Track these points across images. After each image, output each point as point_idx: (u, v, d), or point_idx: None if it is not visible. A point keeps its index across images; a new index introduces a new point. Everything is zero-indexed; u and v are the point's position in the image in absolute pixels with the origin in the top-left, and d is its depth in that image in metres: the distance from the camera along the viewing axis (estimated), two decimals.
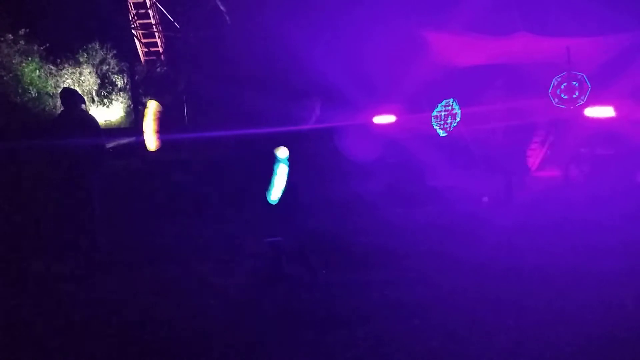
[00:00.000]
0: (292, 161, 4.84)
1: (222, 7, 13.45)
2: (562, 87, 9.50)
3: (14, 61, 12.49)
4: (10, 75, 12.43)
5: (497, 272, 5.03)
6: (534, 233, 6.32)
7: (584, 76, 9.28)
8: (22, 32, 12.63)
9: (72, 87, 12.71)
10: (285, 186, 4.74)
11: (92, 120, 6.32)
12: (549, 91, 9.62)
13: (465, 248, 5.84)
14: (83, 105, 6.31)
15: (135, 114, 13.21)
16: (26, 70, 12.61)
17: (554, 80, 9.59)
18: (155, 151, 7.23)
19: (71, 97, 6.17)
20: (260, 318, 4.30)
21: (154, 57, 14.55)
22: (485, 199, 8.29)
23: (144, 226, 7.26)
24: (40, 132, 6.22)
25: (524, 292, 4.54)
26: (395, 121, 9.28)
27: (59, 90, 12.95)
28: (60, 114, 6.34)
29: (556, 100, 9.64)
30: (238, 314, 4.42)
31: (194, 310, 4.51)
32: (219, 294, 4.89)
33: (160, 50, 14.63)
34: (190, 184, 8.32)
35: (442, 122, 9.85)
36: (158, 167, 9.02)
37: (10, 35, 12.50)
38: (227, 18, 13.44)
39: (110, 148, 6.52)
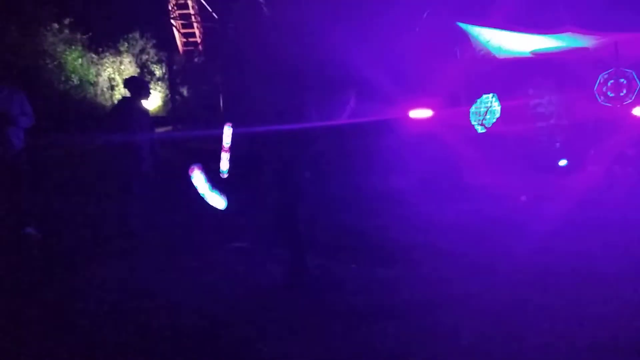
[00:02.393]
0: (326, 155, 4.79)
1: None
2: (609, 84, 9.12)
3: (58, 49, 12.83)
4: (55, 63, 12.78)
5: (533, 274, 4.87)
6: (573, 235, 6.09)
7: (633, 73, 8.88)
8: (66, 21, 12.95)
9: (111, 75, 12.99)
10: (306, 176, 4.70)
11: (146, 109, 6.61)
12: (595, 89, 9.26)
13: (501, 248, 5.69)
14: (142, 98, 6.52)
15: (172, 103, 13.40)
16: (69, 58, 12.94)
17: (600, 77, 9.22)
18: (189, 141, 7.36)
19: (139, 86, 6.38)
20: (289, 311, 4.28)
21: (192, 48, 14.72)
22: (523, 198, 8.05)
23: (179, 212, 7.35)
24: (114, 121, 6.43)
25: (560, 295, 4.39)
26: (432, 116, 9.10)
27: (100, 78, 13.31)
28: (126, 101, 6.49)
29: (602, 98, 9.27)
30: (265, 305, 4.41)
31: (220, 299, 4.53)
32: (246, 284, 4.90)
33: (199, 40, 14.79)
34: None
35: (481, 118, 9.61)
36: (192, 157, 9.11)
37: (55, 24, 12.83)
38: (265, 10, 13.45)
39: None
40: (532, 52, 9.57)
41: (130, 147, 6.18)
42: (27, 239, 6.02)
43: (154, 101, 14.06)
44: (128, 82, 6.68)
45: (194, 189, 5.75)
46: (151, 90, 6.83)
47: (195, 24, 14.61)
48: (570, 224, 6.41)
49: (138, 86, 6.56)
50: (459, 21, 9.18)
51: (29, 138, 6.20)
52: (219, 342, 3.79)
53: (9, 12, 11.95)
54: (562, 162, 9.73)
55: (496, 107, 9.59)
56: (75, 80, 12.94)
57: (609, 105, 9.15)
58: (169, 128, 12.64)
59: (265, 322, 4.07)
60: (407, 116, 9.02)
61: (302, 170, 4.63)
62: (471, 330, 3.81)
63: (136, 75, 12.57)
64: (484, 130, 9.67)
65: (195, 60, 14.42)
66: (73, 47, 13.06)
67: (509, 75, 9.77)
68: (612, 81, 9.07)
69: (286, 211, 4.69)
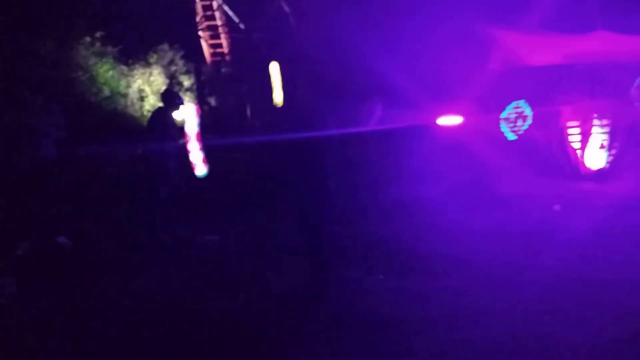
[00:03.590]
0: (352, 163, 4.73)
1: (286, 9, 13.56)
2: None
3: (90, 62, 13.10)
4: (87, 75, 13.05)
5: (566, 285, 4.69)
6: (608, 244, 5.87)
7: None
8: (98, 34, 13.23)
9: (141, 87, 13.21)
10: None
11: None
12: (631, 93, 8.99)
13: (533, 258, 5.50)
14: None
15: (201, 113, 13.53)
16: (100, 70, 13.19)
17: (636, 81, 8.96)
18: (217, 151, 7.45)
19: (170, 97, 6.71)
20: (314, 320, 4.22)
21: (220, 58, 14.87)
22: (557, 207, 7.81)
23: (203, 222, 7.38)
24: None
25: (596, 308, 4.21)
26: (461, 123, 8.95)
27: (130, 89, 13.55)
28: (161, 112, 6.66)
29: (638, 103, 9.01)
30: (290, 312, 4.37)
31: (244, 308, 4.50)
32: (272, 292, 4.86)
33: (226, 51, 14.93)
34: (249, 183, 8.43)
35: (512, 124, 9.43)
36: (220, 168, 9.19)
37: (87, 37, 13.13)
38: (291, 19, 13.53)
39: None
40: (564, 57, 9.36)
41: (160, 157, 6.28)
42: (60, 247, 6.13)
43: (185, 112, 14.23)
44: (163, 94, 6.95)
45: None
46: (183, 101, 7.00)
47: (222, 35, 14.77)
48: (602, 234, 6.19)
49: (172, 98, 6.75)
50: (489, 27, 9.06)
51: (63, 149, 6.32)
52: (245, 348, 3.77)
53: (43, 27, 12.29)
54: (599, 169, 9.47)
55: (527, 113, 9.39)
56: (106, 92, 13.19)
57: None
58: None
59: (293, 330, 4.03)
60: (436, 123, 8.91)
61: (326, 178, 4.56)
62: (504, 344, 3.68)
63: (167, 86, 12.77)
64: (515, 137, 9.47)
65: (223, 70, 14.57)
66: (104, 60, 13.33)
67: (540, 80, 9.57)
68: None
69: (309, 220, 4.62)
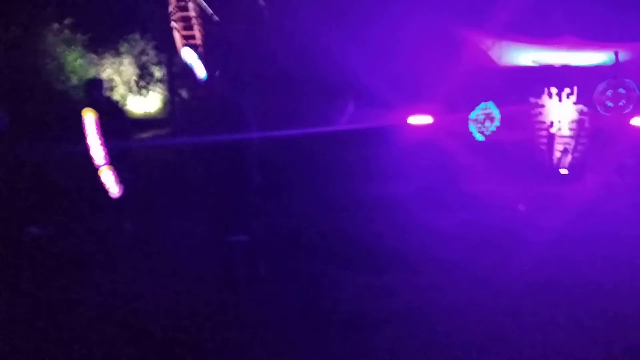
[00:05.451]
0: (322, 161, 4.76)
1: (261, 1, 13.45)
2: (608, 94, 9.11)
3: (58, 49, 12.78)
4: (54, 62, 12.73)
5: (528, 285, 4.86)
6: (570, 245, 6.07)
7: (632, 83, 8.87)
8: (67, 21, 12.91)
9: (111, 76, 12.98)
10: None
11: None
12: (594, 98, 9.24)
13: (497, 257, 5.67)
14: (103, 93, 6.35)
15: (172, 105, 13.35)
16: (69, 58, 12.88)
17: (599, 86, 9.21)
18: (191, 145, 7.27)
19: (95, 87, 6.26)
20: (280, 316, 4.26)
21: (192, 50, 14.67)
22: (521, 207, 8.01)
23: (166, 216, 7.30)
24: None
25: (554, 306, 4.37)
26: (431, 122, 9.08)
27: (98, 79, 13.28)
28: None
29: (601, 107, 9.25)
30: (255, 310, 4.39)
31: (208, 304, 4.50)
32: (238, 287, 4.87)
33: (199, 43, 14.74)
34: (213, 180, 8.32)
35: (480, 125, 9.60)
36: (192, 160, 9.09)
37: (56, 24, 12.80)
38: (266, 13, 13.43)
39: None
40: (532, 61, 9.57)
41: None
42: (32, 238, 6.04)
43: (153, 103, 14.02)
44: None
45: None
46: (150, 91, 6.71)
47: (195, 26, 14.57)
48: (567, 234, 6.39)
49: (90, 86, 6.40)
50: (459, 27, 9.18)
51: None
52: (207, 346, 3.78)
53: (9, 11, 11.93)
54: (563, 171, 9.73)
55: (495, 114, 9.57)
56: (74, 80, 12.90)
57: (608, 114, 9.13)
58: (168, 130, 12.61)
59: (255, 325, 4.05)
60: (406, 122, 9.01)
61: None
62: (465, 340, 3.79)
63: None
64: (483, 138, 9.65)
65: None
66: (73, 48, 13.02)
67: (508, 82, 9.77)
68: (611, 91, 9.06)
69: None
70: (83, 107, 6.18)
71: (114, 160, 6.02)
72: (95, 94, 6.25)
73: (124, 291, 4.80)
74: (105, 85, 7.19)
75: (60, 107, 10.85)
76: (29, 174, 6.86)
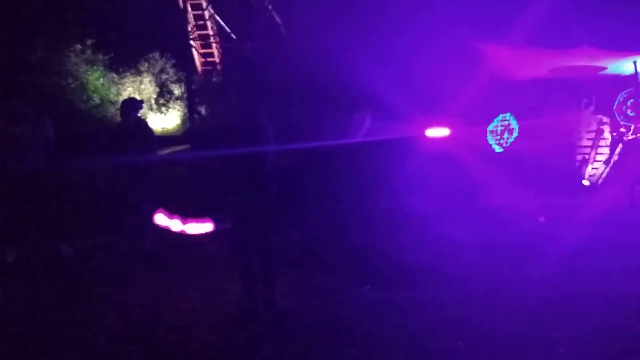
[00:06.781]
0: (340, 174, 4.77)
1: (277, 19, 13.66)
2: (629, 103, 9.01)
3: (80, 70, 13.12)
4: (77, 82, 13.06)
5: (550, 298, 4.77)
6: (591, 257, 5.96)
7: None
8: (89, 42, 13.25)
9: (132, 95, 13.23)
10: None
11: (145, 128, 6.54)
12: (614, 108, 9.15)
13: (518, 270, 5.59)
14: (138, 113, 6.50)
15: (191, 122, 13.55)
16: (91, 78, 13.21)
17: (619, 96, 9.12)
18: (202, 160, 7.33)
19: (129, 106, 6.41)
20: (297, 332, 4.25)
21: (211, 67, 14.92)
22: (542, 219, 7.91)
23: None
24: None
25: (579, 319, 4.29)
26: (449, 135, 9.05)
27: (121, 97, 13.54)
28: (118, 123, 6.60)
29: (622, 117, 9.15)
30: (270, 328, 4.39)
31: (225, 318, 4.51)
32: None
33: (217, 60, 14.99)
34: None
35: (499, 137, 9.55)
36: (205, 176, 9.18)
37: (78, 45, 13.15)
38: (282, 30, 13.62)
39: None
40: (550, 71, 9.52)
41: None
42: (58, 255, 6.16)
43: (172, 120, 14.24)
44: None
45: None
46: (170, 108, 6.84)
47: (213, 44, 14.84)
48: (588, 246, 6.28)
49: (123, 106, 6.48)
50: (477, 41, 9.19)
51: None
52: None
53: (34, 33, 12.30)
54: (585, 183, 9.61)
55: (514, 126, 9.52)
56: (96, 99, 13.20)
57: (630, 124, 9.03)
58: (187, 147, 12.77)
59: (272, 343, 4.06)
60: (424, 135, 9.00)
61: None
62: (488, 355, 3.74)
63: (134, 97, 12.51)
64: (501, 150, 9.59)
65: (214, 79, 14.61)
66: (95, 68, 13.35)
67: (527, 94, 9.71)
68: (632, 100, 8.96)
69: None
70: (106, 125, 6.33)
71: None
72: (134, 114, 6.40)
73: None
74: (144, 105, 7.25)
75: (84, 125, 11.11)
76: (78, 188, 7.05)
